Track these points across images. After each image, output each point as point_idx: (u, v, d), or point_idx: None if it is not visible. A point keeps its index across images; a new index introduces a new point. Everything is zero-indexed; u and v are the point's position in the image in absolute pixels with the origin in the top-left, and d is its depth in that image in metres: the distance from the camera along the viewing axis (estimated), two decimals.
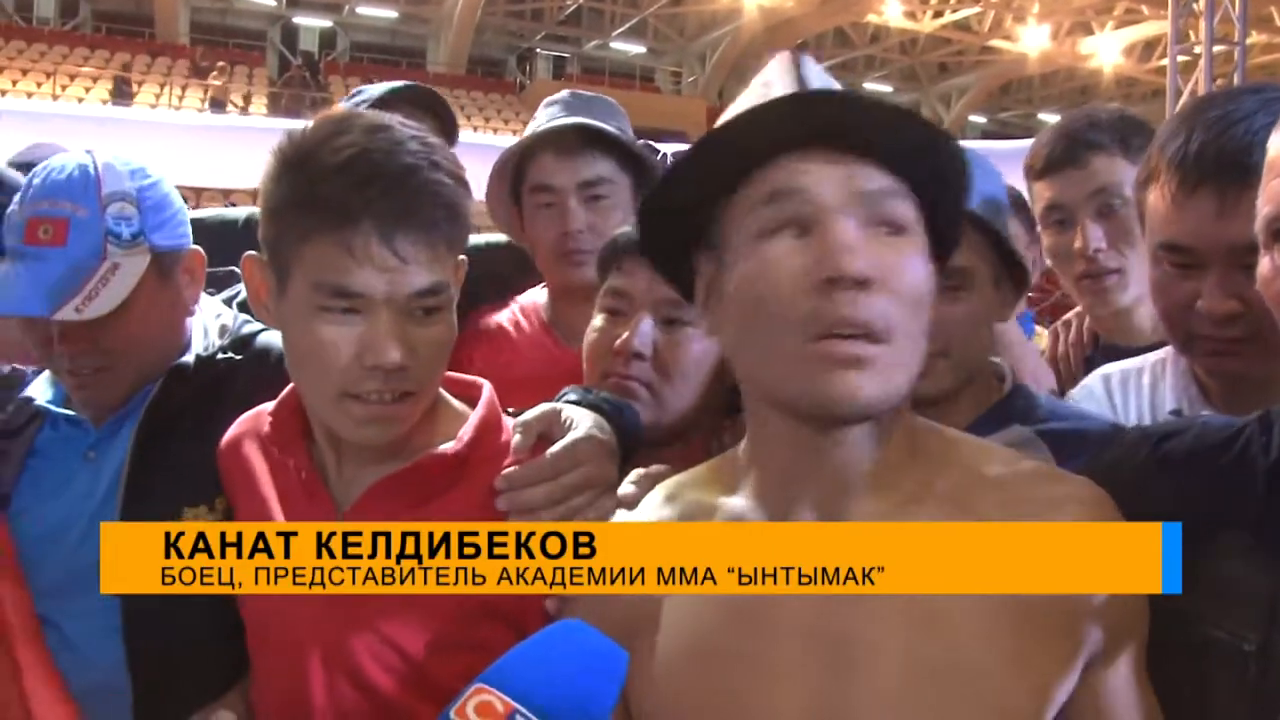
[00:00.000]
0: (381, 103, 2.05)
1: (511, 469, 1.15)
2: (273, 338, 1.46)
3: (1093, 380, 1.59)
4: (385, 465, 1.17)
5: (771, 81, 0.96)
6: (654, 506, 1.04)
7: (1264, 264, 1.01)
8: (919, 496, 0.93)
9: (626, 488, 1.14)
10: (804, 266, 0.88)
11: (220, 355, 1.44)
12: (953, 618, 0.88)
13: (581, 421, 1.19)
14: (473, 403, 1.22)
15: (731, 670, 0.91)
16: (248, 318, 1.51)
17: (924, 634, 0.88)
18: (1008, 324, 1.59)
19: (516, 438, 1.17)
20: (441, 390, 1.22)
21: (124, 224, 1.34)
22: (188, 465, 1.33)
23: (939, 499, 0.93)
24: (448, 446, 1.16)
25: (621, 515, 1.07)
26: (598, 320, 1.42)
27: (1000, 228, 1.36)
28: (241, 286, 1.63)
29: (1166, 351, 1.50)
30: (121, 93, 21.73)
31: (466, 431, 1.17)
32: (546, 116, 1.87)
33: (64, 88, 21.68)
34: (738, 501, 0.99)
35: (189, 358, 1.42)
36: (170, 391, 1.39)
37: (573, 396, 1.25)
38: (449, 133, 2.11)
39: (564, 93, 1.93)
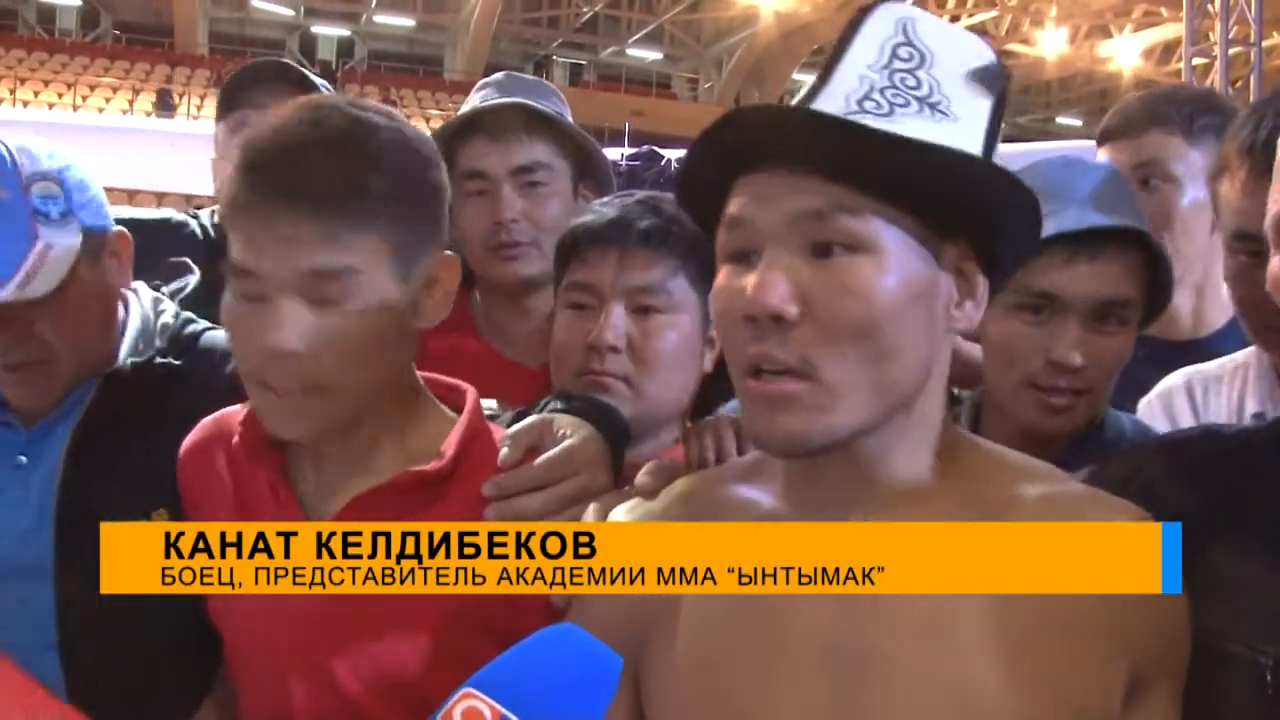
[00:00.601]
0: (253, 81, 1.93)
1: (502, 475, 1.09)
2: (218, 335, 1.40)
3: (1174, 384, 1.55)
4: (363, 477, 1.10)
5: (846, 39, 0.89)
6: (671, 500, 1.01)
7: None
8: (953, 511, 0.89)
9: (642, 479, 1.07)
10: (735, 300, 0.86)
11: (159, 360, 1.37)
12: (971, 635, 0.85)
13: (576, 430, 1.13)
14: (457, 408, 1.16)
15: (743, 679, 0.90)
16: (191, 316, 1.46)
17: (941, 651, 0.85)
18: None
19: (504, 452, 1.10)
20: (427, 392, 1.17)
21: (50, 203, 1.28)
22: (125, 475, 1.29)
23: (975, 515, 0.89)
24: (430, 464, 1.10)
25: (634, 507, 1.03)
26: (563, 317, 1.34)
27: (1163, 250, 1.30)
28: (190, 279, 1.59)
29: (1248, 354, 1.47)
30: (165, 104, 21.88)
31: (450, 446, 1.10)
32: (479, 99, 1.74)
33: (84, 98, 21.91)
34: (771, 499, 0.95)
35: (125, 364, 1.35)
36: (107, 397, 1.33)
37: (559, 404, 1.19)
38: None
39: (499, 75, 1.81)
